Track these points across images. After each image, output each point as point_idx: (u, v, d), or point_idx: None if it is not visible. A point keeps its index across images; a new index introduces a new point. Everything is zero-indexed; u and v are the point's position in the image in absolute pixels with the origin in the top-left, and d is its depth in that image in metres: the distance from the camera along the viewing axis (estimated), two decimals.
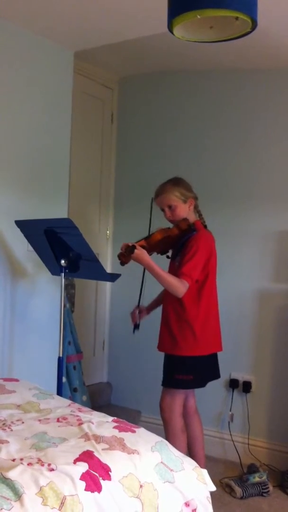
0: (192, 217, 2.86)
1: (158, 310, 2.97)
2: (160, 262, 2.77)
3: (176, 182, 2.82)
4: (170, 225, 2.88)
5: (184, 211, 2.82)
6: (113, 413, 2.18)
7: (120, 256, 2.68)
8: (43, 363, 3.16)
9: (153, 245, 2.77)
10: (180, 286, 2.67)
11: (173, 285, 2.67)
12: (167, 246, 2.85)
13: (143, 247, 2.68)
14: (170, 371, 2.85)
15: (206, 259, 2.76)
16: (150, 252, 2.72)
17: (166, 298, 2.87)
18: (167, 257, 2.91)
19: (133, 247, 2.62)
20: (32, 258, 3.12)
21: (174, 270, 2.75)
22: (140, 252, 2.63)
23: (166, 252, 2.90)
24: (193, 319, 2.75)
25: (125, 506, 1.58)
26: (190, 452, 2.96)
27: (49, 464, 1.59)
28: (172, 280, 2.67)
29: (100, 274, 2.89)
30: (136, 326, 2.96)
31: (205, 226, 2.91)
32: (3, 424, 1.94)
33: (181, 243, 2.80)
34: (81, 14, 2.81)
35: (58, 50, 3.28)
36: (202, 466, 2.82)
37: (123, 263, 2.69)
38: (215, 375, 2.95)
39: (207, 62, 3.51)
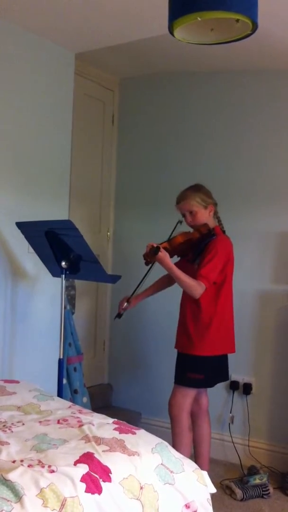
0: (212, 223, 2.95)
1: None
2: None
3: (197, 189, 2.92)
4: (191, 230, 2.95)
5: (205, 216, 2.91)
6: (113, 415, 2.18)
7: (145, 256, 2.80)
8: (44, 364, 3.16)
9: (175, 247, 2.87)
10: (197, 288, 2.76)
11: (191, 286, 2.76)
12: (187, 250, 2.93)
13: (165, 249, 2.78)
14: (183, 369, 2.92)
15: (224, 263, 2.85)
16: (171, 254, 2.82)
17: (183, 299, 2.96)
18: (187, 260, 2.97)
19: (158, 248, 2.72)
20: (32, 260, 3.12)
21: (193, 272, 2.82)
22: (164, 254, 2.73)
23: (186, 256, 2.98)
24: (209, 320, 2.84)
25: (125, 507, 1.58)
26: (196, 452, 2.99)
27: (49, 466, 1.59)
28: (190, 281, 2.76)
29: (100, 275, 2.90)
30: (119, 315, 3.06)
31: (224, 232, 2.99)
32: (4, 425, 1.94)
33: (201, 247, 2.88)
34: (83, 16, 2.81)
35: (59, 51, 3.28)
36: (206, 467, 2.87)
37: (147, 262, 2.82)
38: (224, 377, 3.02)
39: (208, 64, 3.51)
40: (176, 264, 2.88)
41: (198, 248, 2.89)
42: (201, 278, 2.77)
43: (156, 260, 2.76)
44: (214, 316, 2.84)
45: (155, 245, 2.75)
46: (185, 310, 2.93)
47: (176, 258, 2.98)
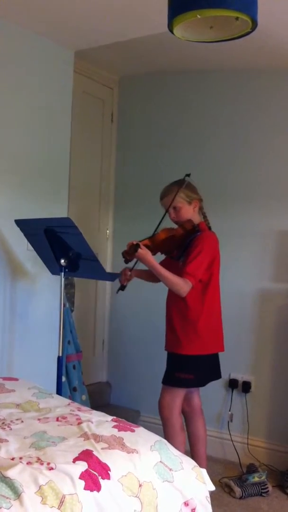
0: (197, 219, 2.88)
1: (162, 311, 2.96)
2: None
3: (181, 184, 2.83)
4: (175, 226, 2.88)
5: (189, 212, 2.84)
6: (112, 413, 2.18)
7: (124, 254, 2.71)
8: (43, 362, 3.16)
9: (157, 244, 2.78)
10: (183, 285, 2.69)
11: (177, 284, 2.69)
12: (171, 247, 2.86)
13: (147, 246, 2.71)
14: (171, 369, 2.86)
15: (210, 260, 2.77)
16: (154, 251, 2.74)
17: (170, 298, 2.89)
18: (171, 257, 2.91)
19: (137, 245, 2.65)
20: (31, 258, 3.12)
21: (178, 270, 2.76)
22: (144, 251, 2.66)
23: (170, 253, 2.91)
24: (196, 318, 2.77)
25: (124, 505, 1.58)
26: (192, 451, 2.97)
27: (48, 463, 1.59)
28: (175, 279, 2.69)
29: (99, 273, 2.90)
30: (122, 287, 2.90)
31: (210, 228, 2.92)
32: (3, 423, 1.94)
33: (185, 243, 2.81)
34: (82, 14, 2.81)
35: (59, 49, 3.28)
36: (204, 466, 2.83)
37: (127, 260, 2.73)
38: (216, 375, 2.96)
39: (207, 62, 3.51)
40: (161, 262, 2.80)
41: (183, 245, 2.81)
42: (187, 276, 2.69)
43: (136, 257, 2.68)
44: (201, 315, 2.77)
45: (135, 243, 2.67)
46: (171, 308, 2.86)
47: (161, 256, 2.90)
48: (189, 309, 2.77)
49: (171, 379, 2.85)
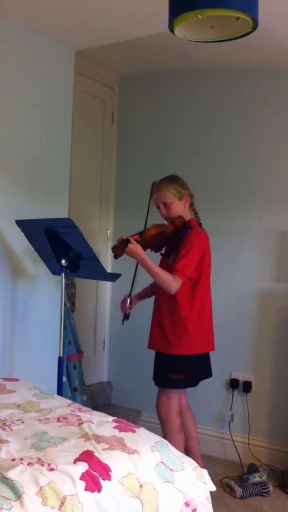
0: (188, 215, 2.86)
1: (150, 306, 2.94)
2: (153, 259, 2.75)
3: (172, 180, 2.82)
4: (165, 222, 2.86)
5: (179, 208, 2.82)
6: (113, 413, 2.18)
7: (114, 249, 2.67)
8: (44, 362, 3.16)
9: (147, 240, 2.75)
10: (173, 283, 2.66)
11: (166, 281, 2.67)
12: (161, 243, 2.84)
13: (137, 241, 2.67)
14: (163, 370, 2.85)
15: (200, 257, 2.75)
16: (144, 247, 2.70)
17: (159, 296, 2.87)
18: (161, 254, 2.89)
19: (127, 240, 2.62)
20: (32, 258, 3.12)
21: (168, 267, 2.74)
22: (134, 246, 2.63)
23: (161, 249, 2.89)
24: (187, 317, 2.75)
25: (125, 506, 1.58)
26: (186, 449, 2.96)
27: (49, 464, 1.59)
28: (165, 276, 2.67)
29: (100, 273, 2.89)
30: (126, 317, 2.91)
31: (200, 225, 2.90)
32: (3, 423, 1.94)
33: (175, 240, 2.79)
34: (82, 13, 2.81)
35: (59, 49, 3.28)
36: (199, 462, 2.83)
37: (116, 256, 2.68)
38: (207, 374, 2.94)
39: (208, 61, 3.50)
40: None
41: (173, 242, 2.79)
42: (177, 273, 2.66)
43: (126, 253, 2.63)
44: (191, 314, 2.74)
45: (125, 238, 2.64)
46: (161, 307, 2.83)
47: (149, 253, 2.85)
48: (179, 307, 2.74)
49: (164, 381, 2.84)
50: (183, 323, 2.75)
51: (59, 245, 2.75)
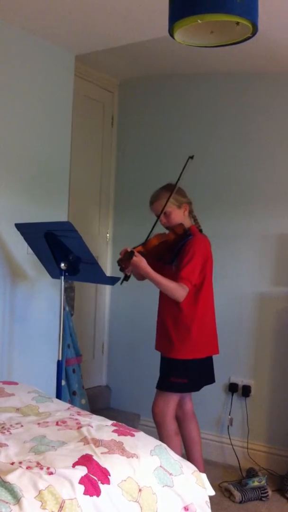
0: (188, 222, 2.88)
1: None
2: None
3: (170, 188, 2.82)
4: (167, 231, 2.88)
5: (179, 216, 2.84)
6: (112, 417, 2.18)
7: (120, 262, 2.68)
8: (43, 366, 3.16)
9: (150, 250, 2.77)
10: (180, 290, 2.69)
11: (173, 290, 2.69)
12: (164, 252, 2.85)
13: (140, 252, 2.69)
14: (166, 374, 2.86)
15: (203, 263, 2.77)
16: (147, 257, 2.71)
17: (162, 301, 2.89)
18: (163, 263, 2.90)
19: (132, 253, 2.63)
20: (32, 261, 3.12)
21: (171, 275, 2.75)
22: (139, 259, 2.64)
23: (163, 258, 2.90)
24: (190, 322, 2.77)
25: (124, 510, 1.58)
26: (188, 456, 2.95)
27: (48, 468, 1.58)
28: (171, 284, 2.69)
29: (99, 277, 2.89)
30: (126, 278, 2.81)
31: (201, 231, 2.92)
32: (2, 427, 1.94)
33: (177, 248, 2.81)
34: (83, 17, 2.82)
35: (59, 53, 3.29)
36: (200, 469, 2.82)
37: (122, 269, 2.68)
38: (210, 379, 2.94)
39: (208, 66, 3.51)
40: (152, 267, 2.73)
41: (175, 249, 2.81)
42: (183, 280, 2.68)
43: (131, 265, 2.64)
44: (195, 318, 2.76)
45: (129, 250, 2.65)
46: (164, 312, 2.85)
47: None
48: (182, 312, 2.77)
49: (165, 384, 2.84)
50: (187, 328, 2.77)
51: (59, 248, 2.75)
